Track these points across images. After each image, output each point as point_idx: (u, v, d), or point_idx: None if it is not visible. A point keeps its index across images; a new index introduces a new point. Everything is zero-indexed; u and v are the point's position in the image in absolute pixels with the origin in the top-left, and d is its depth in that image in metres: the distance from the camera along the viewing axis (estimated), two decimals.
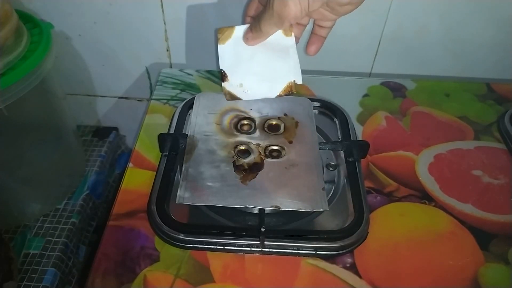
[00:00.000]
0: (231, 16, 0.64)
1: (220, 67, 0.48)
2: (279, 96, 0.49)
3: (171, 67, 0.72)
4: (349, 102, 0.61)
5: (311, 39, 0.47)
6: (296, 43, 0.47)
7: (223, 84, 0.49)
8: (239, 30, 0.47)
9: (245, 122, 0.51)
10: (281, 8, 0.40)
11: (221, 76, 0.49)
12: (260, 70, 0.48)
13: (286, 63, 0.48)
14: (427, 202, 0.48)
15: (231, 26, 0.47)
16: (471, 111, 0.60)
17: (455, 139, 0.56)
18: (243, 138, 0.49)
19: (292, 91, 0.49)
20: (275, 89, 0.49)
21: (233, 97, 0.50)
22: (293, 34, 0.47)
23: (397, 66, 0.69)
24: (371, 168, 0.52)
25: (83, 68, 0.73)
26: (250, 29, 0.46)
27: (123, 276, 0.41)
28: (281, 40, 0.47)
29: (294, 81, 0.48)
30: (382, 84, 0.65)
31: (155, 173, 0.49)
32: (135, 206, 0.47)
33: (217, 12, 0.64)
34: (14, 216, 0.62)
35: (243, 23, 0.48)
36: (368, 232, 0.44)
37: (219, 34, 0.48)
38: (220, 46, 0.48)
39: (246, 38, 0.46)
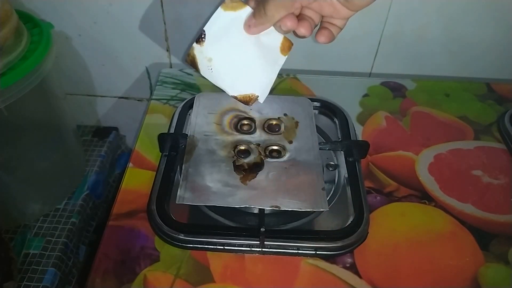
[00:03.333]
0: None
1: (204, 28, 0.43)
2: (233, 97, 0.45)
3: (171, 67, 0.72)
4: (349, 102, 0.61)
5: (322, 30, 0.41)
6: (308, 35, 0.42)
7: (194, 44, 0.43)
8: (246, 11, 0.42)
9: (245, 122, 0.51)
10: None
11: (198, 36, 0.43)
12: (237, 61, 0.44)
13: (263, 75, 0.44)
14: (427, 202, 0.48)
15: (244, 3, 0.42)
16: (471, 111, 0.60)
17: (455, 139, 0.56)
18: (243, 138, 0.49)
19: (248, 103, 0.45)
20: (236, 89, 0.45)
21: (193, 64, 0.44)
22: (287, 55, 0.43)
23: (397, 66, 0.69)
24: (371, 168, 0.52)
25: (83, 68, 0.73)
26: (253, 15, 0.41)
27: (123, 276, 0.41)
28: (274, 52, 0.43)
29: (258, 96, 0.45)
30: (382, 84, 0.65)
31: (155, 173, 0.49)
32: (135, 206, 0.47)
33: None
34: (14, 216, 0.62)
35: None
36: (368, 232, 0.44)
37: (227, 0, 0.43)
38: (219, 9, 0.43)
39: (248, 25, 0.41)
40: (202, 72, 0.45)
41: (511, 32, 0.63)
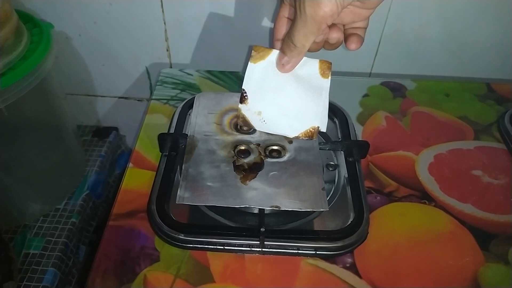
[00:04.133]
0: (231, 16, 0.64)
1: (243, 87, 0.44)
2: (296, 138, 0.46)
3: (171, 67, 0.72)
4: (349, 102, 0.61)
5: (350, 37, 0.42)
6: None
7: (240, 105, 0.45)
8: (275, 54, 0.43)
9: None
10: (314, 8, 0.35)
11: (241, 96, 0.45)
12: (285, 104, 0.44)
13: (315, 105, 0.44)
14: (427, 202, 0.48)
15: (269, 48, 0.43)
16: (471, 111, 0.60)
17: (455, 139, 0.56)
18: (243, 138, 0.49)
19: (312, 137, 0.45)
20: (296, 128, 0.45)
21: (246, 123, 0.46)
22: (330, 76, 0.43)
23: (397, 66, 0.69)
24: (371, 168, 0.52)
25: (83, 68, 0.73)
26: (283, 51, 0.41)
27: (123, 276, 0.41)
28: (315, 79, 0.43)
29: (318, 127, 0.45)
30: (382, 84, 0.65)
31: (155, 173, 0.49)
32: (135, 206, 0.47)
33: (217, 12, 0.64)
34: (14, 216, 0.62)
35: (271, 44, 0.44)
36: (368, 232, 0.44)
37: (254, 51, 0.44)
38: (250, 65, 0.44)
39: (282, 64, 0.42)
40: (258, 128, 0.46)
41: (511, 32, 0.63)
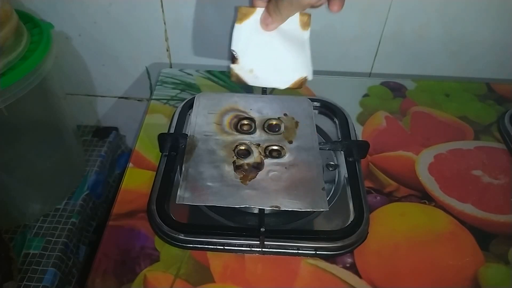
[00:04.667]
0: (231, 16, 0.64)
1: (232, 48, 0.46)
2: (289, 88, 0.48)
3: (171, 67, 0.72)
4: (349, 102, 0.61)
5: (332, 1, 0.42)
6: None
7: (231, 65, 0.47)
8: (259, 12, 0.45)
9: (245, 122, 0.51)
10: None
11: (232, 57, 0.47)
12: (273, 58, 0.46)
13: (300, 56, 0.46)
14: (427, 202, 0.48)
15: (253, 7, 0.45)
16: (471, 111, 0.60)
17: (455, 139, 0.56)
18: (243, 138, 0.49)
19: (301, 86, 0.47)
20: (286, 80, 0.47)
21: (240, 81, 0.48)
22: (309, 28, 0.45)
23: (397, 66, 0.69)
24: (371, 168, 0.52)
25: (83, 68, 0.73)
26: (268, 13, 0.43)
27: (123, 276, 0.41)
28: (297, 32, 0.45)
29: (306, 77, 0.47)
30: (382, 84, 0.65)
31: (155, 173, 0.49)
32: (135, 206, 0.47)
33: (217, 12, 0.64)
34: (14, 216, 0.62)
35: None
36: (368, 232, 0.44)
37: (239, 13, 0.45)
38: (236, 26, 0.46)
39: (266, 23, 0.44)
40: (251, 83, 0.48)
41: (511, 32, 0.63)
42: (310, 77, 0.47)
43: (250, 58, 0.47)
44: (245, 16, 0.45)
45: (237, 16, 0.45)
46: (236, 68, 0.47)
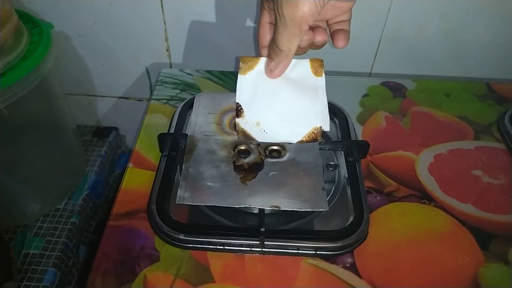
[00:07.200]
0: (231, 16, 0.64)
1: (236, 101, 0.42)
2: (301, 142, 0.43)
3: (171, 67, 0.72)
4: (349, 102, 0.61)
5: (336, 35, 0.40)
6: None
7: (237, 120, 0.43)
8: (263, 62, 0.42)
9: None
10: (293, 10, 0.34)
11: (236, 110, 0.43)
12: (282, 109, 0.42)
13: (313, 105, 0.42)
14: (427, 202, 0.48)
15: (256, 57, 0.42)
16: (471, 111, 0.60)
17: (455, 139, 0.56)
18: None
19: (316, 138, 0.43)
20: (298, 133, 0.43)
21: (247, 137, 0.43)
22: (324, 74, 0.42)
23: (397, 66, 0.69)
24: (371, 168, 0.52)
25: (83, 68, 0.73)
26: (269, 57, 0.40)
27: (123, 276, 0.41)
28: (309, 79, 0.42)
29: (321, 127, 0.42)
30: (382, 84, 0.65)
31: (155, 173, 0.49)
32: (135, 206, 0.47)
33: (217, 12, 0.64)
34: (14, 216, 0.62)
35: (256, 53, 0.42)
36: (368, 232, 0.44)
37: (241, 63, 0.42)
38: (240, 77, 0.42)
39: (269, 69, 0.40)
40: (259, 139, 0.44)
41: (510, 32, 0.63)
42: (326, 128, 0.42)
43: (256, 111, 0.42)
44: (250, 67, 0.42)
45: (240, 66, 0.42)
46: (241, 123, 0.43)
